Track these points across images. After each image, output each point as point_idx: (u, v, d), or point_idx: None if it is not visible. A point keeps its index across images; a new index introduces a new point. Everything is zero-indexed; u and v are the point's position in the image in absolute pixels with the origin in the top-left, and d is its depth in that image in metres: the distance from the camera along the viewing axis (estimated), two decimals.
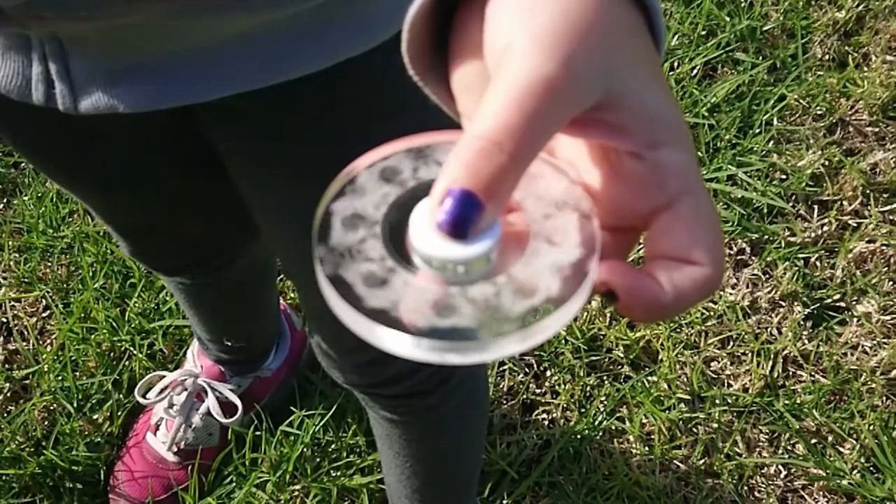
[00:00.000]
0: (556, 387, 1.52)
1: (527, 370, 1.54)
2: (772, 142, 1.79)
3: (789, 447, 1.47)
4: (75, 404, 1.49)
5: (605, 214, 0.37)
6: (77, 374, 1.52)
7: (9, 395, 1.52)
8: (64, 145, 0.81)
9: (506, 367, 1.54)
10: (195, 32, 0.61)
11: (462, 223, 0.33)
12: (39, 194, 1.74)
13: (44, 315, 1.62)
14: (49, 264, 1.66)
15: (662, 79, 0.37)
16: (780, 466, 1.46)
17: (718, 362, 1.56)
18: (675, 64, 1.89)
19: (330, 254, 0.35)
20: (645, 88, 0.35)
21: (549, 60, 0.33)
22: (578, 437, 1.47)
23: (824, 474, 1.43)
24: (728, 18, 1.95)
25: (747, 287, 1.62)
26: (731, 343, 1.57)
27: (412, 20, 0.38)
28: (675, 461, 1.45)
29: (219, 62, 0.63)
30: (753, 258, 1.66)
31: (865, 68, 1.91)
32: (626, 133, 0.35)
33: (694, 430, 1.49)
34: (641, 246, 0.38)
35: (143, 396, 1.40)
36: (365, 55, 0.64)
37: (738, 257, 1.66)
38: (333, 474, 1.43)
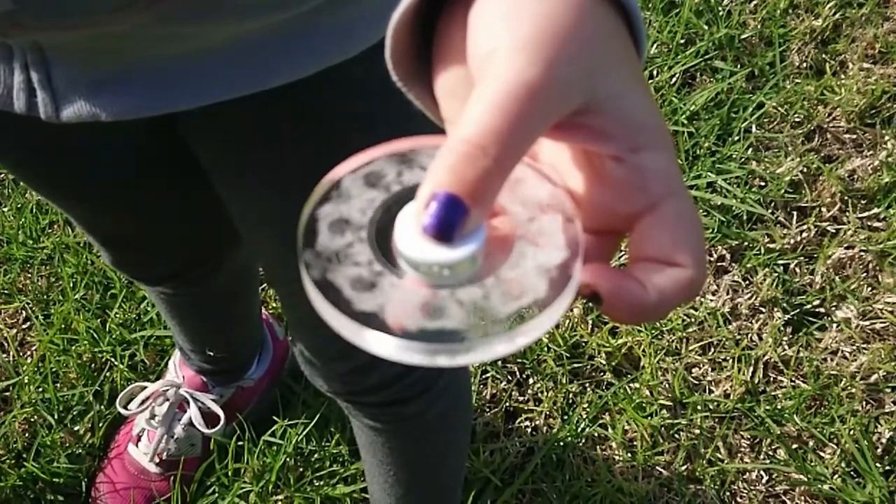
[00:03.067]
0: (539, 394, 1.53)
1: (509, 378, 1.54)
2: (751, 149, 1.80)
3: (770, 452, 1.48)
4: (56, 416, 1.48)
5: (589, 218, 0.37)
6: (58, 385, 1.52)
7: None
8: (45, 154, 0.81)
9: (488, 374, 1.54)
10: (179, 41, 0.61)
11: (447, 227, 0.33)
12: (19, 205, 1.73)
13: (24, 326, 1.61)
14: (29, 275, 1.66)
15: (644, 83, 0.37)
16: (761, 472, 1.46)
17: (700, 368, 1.56)
18: (655, 72, 1.90)
19: (316, 258, 0.35)
20: (627, 92, 0.36)
21: (532, 65, 0.33)
22: (561, 444, 1.47)
23: (805, 479, 1.44)
24: (706, 27, 1.96)
25: (728, 293, 1.63)
26: (713, 349, 1.58)
27: (395, 27, 0.38)
28: (657, 467, 1.46)
29: (202, 70, 0.63)
30: (733, 265, 1.67)
31: (843, 76, 1.93)
32: (608, 137, 0.36)
33: (676, 436, 1.49)
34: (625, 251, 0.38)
35: (125, 407, 1.40)
36: (348, 62, 0.65)
37: (719, 264, 1.67)
38: (317, 484, 1.43)
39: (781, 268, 1.66)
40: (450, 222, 0.33)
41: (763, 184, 1.76)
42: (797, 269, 1.66)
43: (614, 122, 0.36)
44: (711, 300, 1.62)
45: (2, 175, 1.78)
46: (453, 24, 0.38)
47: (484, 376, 1.54)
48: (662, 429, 1.49)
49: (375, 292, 0.34)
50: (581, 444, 1.48)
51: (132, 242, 1.02)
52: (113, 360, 1.54)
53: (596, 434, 1.49)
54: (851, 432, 1.48)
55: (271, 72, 0.64)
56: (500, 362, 1.55)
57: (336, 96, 0.69)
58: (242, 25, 0.60)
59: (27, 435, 1.48)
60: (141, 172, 0.88)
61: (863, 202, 1.74)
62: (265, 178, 0.76)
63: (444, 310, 0.34)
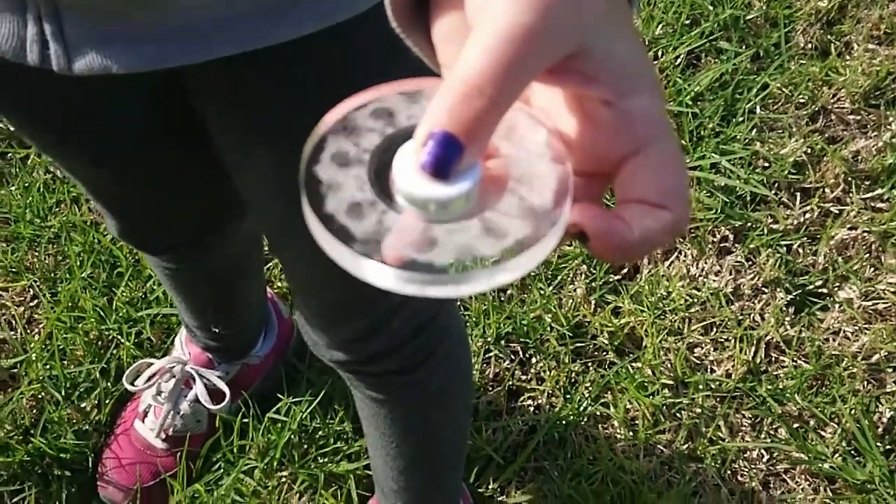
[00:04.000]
0: (542, 373, 1.54)
1: (512, 357, 1.56)
2: (755, 130, 1.80)
3: (771, 431, 1.49)
4: (63, 393, 1.49)
5: (578, 160, 0.39)
6: (65, 362, 1.53)
7: None
8: (57, 109, 0.82)
9: (492, 354, 1.55)
10: None
11: (444, 164, 0.34)
12: (27, 184, 1.74)
13: (31, 304, 1.63)
14: (36, 254, 1.67)
15: (634, 30, 0.39)
16: (762, 450, 1.47)
17: (702, 348, 1.57)
18: (659, 53, 1.91)
19: (317, 184, 0.36)
20: (617, 39, 0.37)
21: (527, 10, 0.34)
22: (563, 422, 1.48)
23: (806, 458, 1.45)
24: (711, 7, 1.96)
25: (730, 274, 1.64)
26: (715, 329, 1.59)
27: None
28: (658, 446, 1.47)
29: (208, 25, 0.64)
30: (736, 245, 1.67)
31: (847, 57, 1.93)
32: (599, 81, 0.37)
33: (677, 415, 1.50)
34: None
35: (132, 384, 1.41)
36: (351, 22, 0.66)
37: (722, 244, 1.68)
38: (321, 460, 1.45)
39: (784, 248, 1.66)
40: (446, 160, 0.34)
41: (767, 165, 1.77)
42: (800, 250, 1.67)
43: (605, 66, 0.37)
44: (714, 280, 1.63)
45: (9, 154, 1.79)
46: None
47: (487, 355, 1.55)
48: (664, 408, 1.50)
49: (367, 221, 0.35)
50: (583, 423, 1.49)
51: (137, 208, 1.03)
52: (119, 337, 1.55)
53: (598, 413, 1.50)
54: (852, 412, 1.48)
55: (273, 29, 0.65)
56: (502, 342, 1.56)
57: (339, 57, 0.70)
58: None
59: (34, 411, 1.50)
60: (149, 135, 0.89)
61: (866, 183, 1.75)
62: (267, 138, 0.76)
63: (434, 244, 0.35)
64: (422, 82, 0.39)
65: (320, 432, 1.47)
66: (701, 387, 1.52)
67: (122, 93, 0.81)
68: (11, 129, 0.89)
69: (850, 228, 1.69)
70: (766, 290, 1.62)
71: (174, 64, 0.65)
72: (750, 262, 1.65)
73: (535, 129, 0.39)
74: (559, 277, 1.62)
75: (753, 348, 1.56)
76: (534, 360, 1.55)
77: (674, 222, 0.37)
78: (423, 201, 0.35)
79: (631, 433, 1.48)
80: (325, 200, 0.36)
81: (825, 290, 1.63)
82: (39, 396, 1.51)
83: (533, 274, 1.61)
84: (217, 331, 1.36)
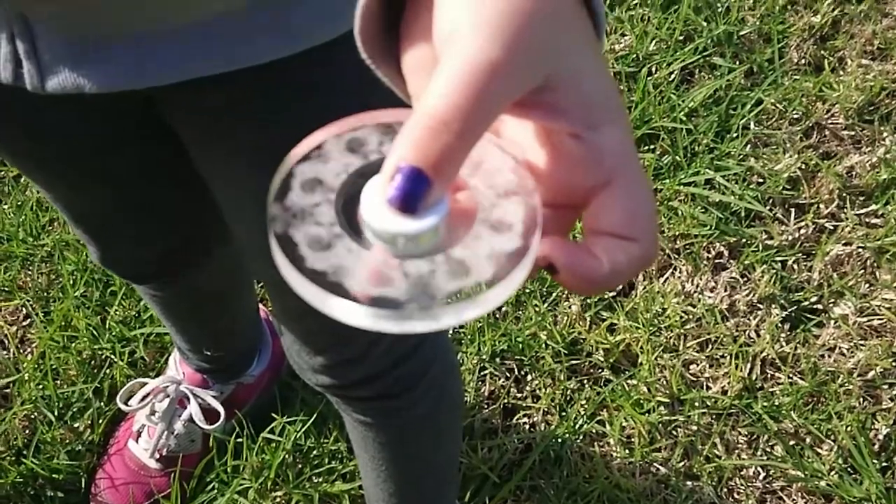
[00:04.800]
0: (537, 391, 1.53)
1: (507, 374, 1.55)
2: (749, 146, 1.80)
3: (768, 449, 1.49)
4: (56, 412, 1.49)
5: (547, 192, 0.38)
6: (58, 382, 1.52)
7: None
8: (30, 128, 0.81)
9: (486, 371, 1.54)
10: (159, 15, 0.62)
11: (411, 199, 0.34)
12: (19, 203, 1.74)
13: (24, 323, 1.62)
14: (29, 273, 1.66)
15: (601, 62, 0.38)
16: (758, 468, 1.47)
17: (697, 365, 1.57)
18: (653, 69, 1.91)
19: (284, 213, 0.36)
20: (584, 72, 0.37)
21: (493, 43, 0.34)
22: (559, 440, 1.48)
23: (802, 475, 1.45)
24: (705, 23, 1.96)
25: (725, 290, 1.64)
26: (710, 346, 1.58)
27: (364, 4, 0.39)
28: (654, 464, 1.47)
29: (182, 46, 0.64)
30: (731, 261, 1.67)
31: (841, 72, 1.93)
32: (567, 114, 0.37)
33: (673, 432, 1.50)
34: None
35: (125, 404, 1.40)
36: (332, 43, 0.66)
37: (717, 261, 1.68)
38: (315, 480, 1.44)
39: (779, 264, 1.66)
40: (413, 194, 0.34)
41: (761, 180, 1.77)
42: (795, 266, 1.67)
43: (572, 99, 0.37)
44: (709, 297, 1.63)
45: (2, 172, 1.78)
46: (421, 3, 0.39)
47: (482, 373, 1.54)
48: (660, 425, 1.49)
49: (330, 253, 0.35)
50: (579, 441, 1.49)
51: (117, 236, 1.02)
52: (113, 356, 1.55)
53: (594, 431, 1.50)
54: (848, 429, 1.48)
55: (250, 50, 0.65)
56: (497, 359, 1.55)
57: (314, 78, 0.70)
58: (222, 1, 0.61)
59: (27, 432, 1.49)
60: (126, 156, 0.88)
61: (861, 199, 1.75)
62: (242, 159, 0.76)
63: (401, 280, 0.35)
64: (400, 114, 0.39)
65: (315, 452, 1.46)
66: (697, 404, 1.51)
67: (99, 113, 0.81)
68: None
69: (844, 244, 1.68)
70: (762, 307, 1.62)
71: (148, 84, 0.65)
72: (745, 279, 1.65)
73: (504, 160, 0.39)
74: (554, 294, 1.62)
75: (749, 365, 1.56)
76: (529, 377, 1.55)
77: (642, 255, 0.37)
78: (391, 236, 0.35)
79: (627, 451, 1.48)
80: (293, 232, 0.36)
81: (820, 307, 1.63)
82: (32, 416, 1.50)
83: (527, 291, 1.61)
84: (209, 353, 1.35)
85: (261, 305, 1.54)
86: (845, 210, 1.73)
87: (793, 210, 1.73)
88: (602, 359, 1.56)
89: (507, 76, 0.34)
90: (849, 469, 1.45)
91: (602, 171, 0.37)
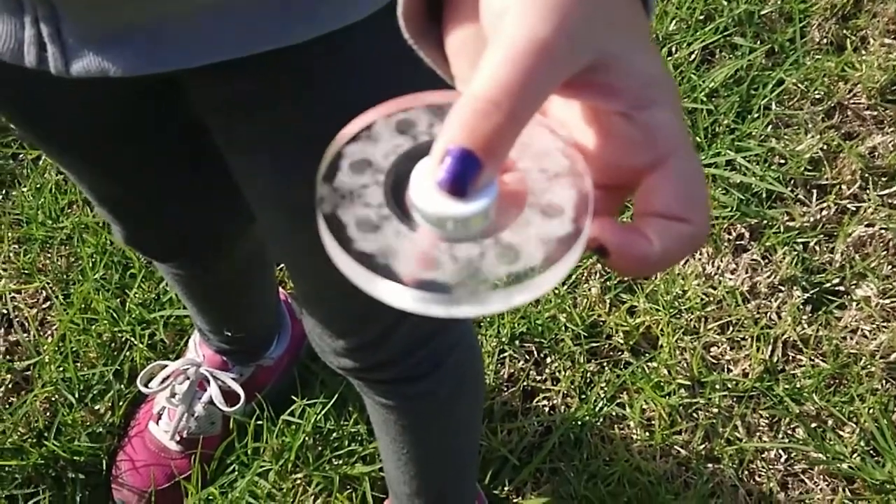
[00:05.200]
0: (557, 373, 1.53)
1: (527, 357, 1.55)
2: (770, 126, 1.79)
3: (789, 431, 1.48)
4: (77, 395, 1.49)
5: (597, 173, 0.38)
6: (78, 364, 1.53)
7: (10, 386, 1.52)
8: (56, 112, 0.81)
9: (506, 354, 1.54)
10: None
11: (461, 181, 0.33)
12: (38, 185, 1.74)
13: (44, 306, 1.63)
14: (49, 255, 1.67)
15: (650, 41, 0.38)
16: (780, 451, 1.46)
17: (718, 347, 1.56)
18: (673, 49, 1.89)
19: (332, 194, 0.36)
20: (634, 51, 0.37)
21: (543, 23, 0.34)
22: (579, 423, 1.47)
23: (824, 458, 1.44)
24: (726, 3, 1.94)
25: (746, 272, 1.62)
26: (731, 328, 1.57)
27: None
28: (675, 446, 1.46)
29: (204, 30, 0.63)
30: (752, 243, 1.66)
31: (863, 51, 1.91)
32: (617, 94, 0.37)
33: (694, 415, 1.49)
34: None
35: (146, 386, 1.40)
36: (349, 30, 0.65)
37: (738, 242, 1.66)
38: (335, 463, 1.44)
39: (801, 246, 1.65)
40: (463, 177, 0.33)
41: (783, 161, 1.75)
42: (817, 248, 1.65)
43: (622, 79, 0.36)
44: (730, 279, 1.62)
45: (20, 156, 1.78)
46: None
47: (501, 356, 1.54)
48: (680, 408, 1.49)
49: (378, 235, 0.35)
50: (599, 424, 1.48)
51: (142, 216, 1.02)
52: (133, 339, 1.55)
53: (614, 413, 1.49)
54: (871, 411, 1.47)
55: (273, 34, 0.64)
56: (517, 342, 1.55)
57: (338, 65, 0.69)
58: None
59: (48, 414, 1.49)
60: (151, 138, 0.88)
61: (883, 179, 1.73)
62: (265, 145, 0.76)
63: (450, 263, 0.34)
64: (451, 95, 0.38)
65: (334, 434, 1.46)
66: (717, 386, 1.51)
67: (124, 97, 0.81)
68: (15, 128, 0.89)
69: (867, 225, 1.67)
70: (783, 289, 1.60)
71: (172, 67, 0.65)
72: (766, 260, 1.64)
73: (553, 141, 0.38)
74: (573, 276, 1.61)
75: (770, 347, 1.55)
76: (549, 360, 1.55)
77: (694, 235, 0.37)
78: (441, 219, 0.34)
79: (647, 434, 1.47)
80: (341, 213, 0.35)
81: (842, 288, 1.61)
82: (53, 399, 1.50)
83: None
84: (230, 334, 1.36)
85: (280, 288, 1.54)
86: (868, 191, 1.71)
87: (814, 191, 1.72)
88: (622, 341, 1.55)
89: (558, 56, 0.34)
90: (871, 451, 1.45)
91: (652, 151, 0.37)
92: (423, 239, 0.35)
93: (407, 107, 0.38)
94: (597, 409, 1.49)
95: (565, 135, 0.38)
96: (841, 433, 1.47)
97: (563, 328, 1.55)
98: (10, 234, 1.68)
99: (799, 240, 1.65)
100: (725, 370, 1.54)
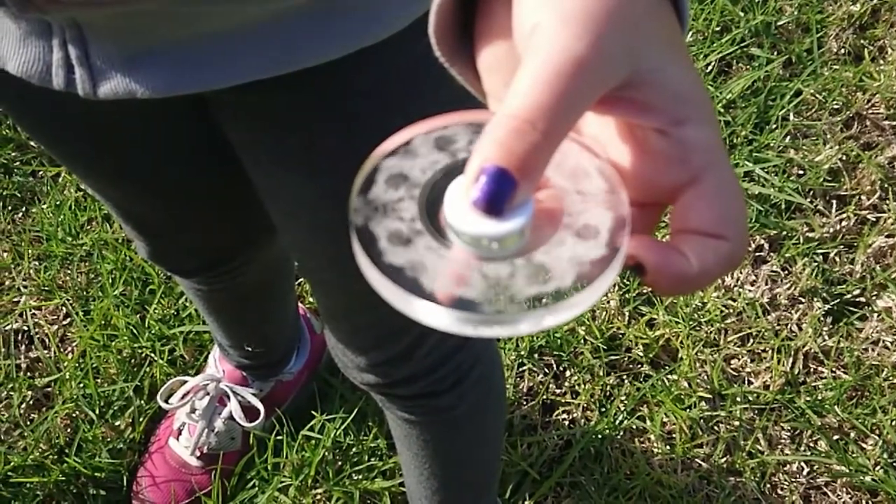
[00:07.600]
0: (576, 387, 1.52)
1: (546, 370, 1.54)
2: (788, 137, 1.78)
3: (811, 444, 1.47)
4: (97, 411, 1.49)
5: (632, 190, 0.37)
6: (98, 380, 1.53)
7: (31, 402, 1.53)
8: (83, 132, 0.82)
9: (525, 367, 1.54)
10: (208, 20, 0.62)
11: (496, 200, 0.33)
12: (58, 202, 1.75)
13: (64, 323, 1.63)
14: (69, 272, 1.67)
15: (687, 56, 0.37)
16: (802, 463, 1.45)
17: (738, 360, 1.55)
18: None
19: (365, 206, 0.36)
20: (670, 66, 0.36)
21: (578, 40, 0.34)
22: (599, 436, 1.47)
23: (847, 471, 1.43)
24: (742, 14, 1.94)
25: (766, 283, 1.62)
26: (751, 340, 1.57)
27: (440, 2, 0.38)
28: (696, 460, 1.45)
29: (232, 50, 0.63)
30: (772, 254, 1.65)
31: (881, 61, 1.90)
32: (652, 110, 0.36)
33: (715, 428, 1.48)
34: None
35: (166, 402, 1.41)
36: (376, 47, 0.65)
37: (757, 254, 1.66)
38: (355, 478, 1.44)
39: (821, 257, 1.64)
40: (498, 196, 0.33)
41: (801, 172, 1.74)
42: (837, 259, 1.64)
43: (658, 95, 0.36)
44: (750, 290, 1.61)
45: (40, 173, 1.79)
46: (497, 1, 0.38)
47: (521, 369, 1.54)
48: (701, 421, 1.48)
49: (409, 249, 0.35)
50: (619, 437, 1.47)
51: (166, 231, 1.02)
52: (152, 355, 1.55)
53: (634, 426, 1.49)
54: (893, 423, 1.46)
55: (299, 53, 0.64)
56: (536, 355, 1.54)
57: (366, 80, 0.69)
58: (269, 6, 0.61)
59: (69, 430, 1.50)
60: (176, 157, 0.89)
61: None
62: (294, 163, 0.76)
63: (484, 283, 0.34)
64: (491, 114, 0.38)
65: (354, 449, 1.46)
66: (738, 399, 1.50)
67: (150, 117, 0.81)
68: (41, 146, 0.90)
69: (887, 236, 1.66)
70: (804, 300, 1.60)
71: (199, 89, 0.65)
72: (786, 272, 1.63)
73: (589, 159, 0.38)
74: None
75: (791, 359, 1.54)
76: (568, 373, 1.54)
77: (732, 254, 0.36)
78: (475, 238, 0.34)
79: (668, 447, 1.46)
80: (373, 225, 0.35)
81: (863, 300, 1.60)
82: (73, 415, 1.51)
83: None
84: (249, 349, 1.36)
85: (298, 302, 1.54)
86: (887, 201, 1.70)
87: (834, 202, 1.71)
88: (641, 354, 1.55)
89: (593, 73, 0.34)
90: (894, 464, 1.43)
91: (689, 168, 0.36)
92: (457, 256, 0.35)
93: (447, 124, 0.38)
94: (617, 422, 1.48)
95: (599, 152, 0.38)
96: (864, 445, 1.46)
97: (583, 341, 1.55)
98: (30, 251, 1.69)
99: (819, 251, 1.64)
100: (746, 382, 1.53)
